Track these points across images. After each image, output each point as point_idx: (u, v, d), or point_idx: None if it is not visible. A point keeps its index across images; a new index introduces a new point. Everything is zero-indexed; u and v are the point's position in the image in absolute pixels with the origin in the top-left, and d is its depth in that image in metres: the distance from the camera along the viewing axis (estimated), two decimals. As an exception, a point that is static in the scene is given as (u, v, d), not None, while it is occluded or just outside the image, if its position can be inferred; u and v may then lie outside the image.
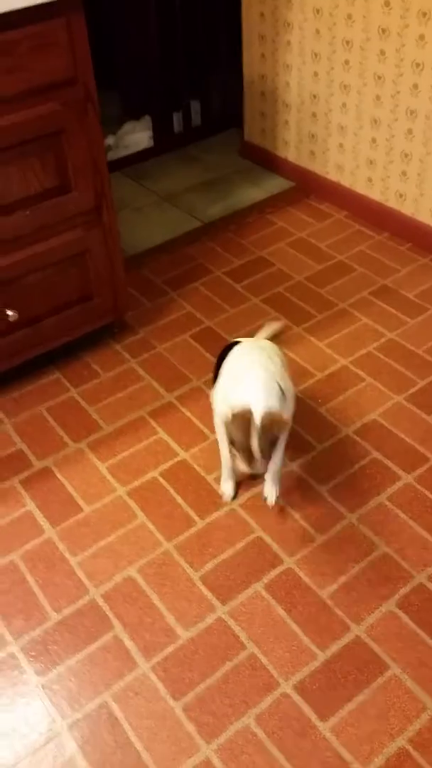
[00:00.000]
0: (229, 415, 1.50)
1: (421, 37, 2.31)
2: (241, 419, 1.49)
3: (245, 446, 1.50)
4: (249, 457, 1.51)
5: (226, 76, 3.37)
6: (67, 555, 1.76)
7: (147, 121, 3.41)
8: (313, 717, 1.46)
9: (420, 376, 2.18)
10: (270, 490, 1.83)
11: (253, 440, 1.49)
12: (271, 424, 1.49)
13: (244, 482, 1.89)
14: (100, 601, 1.66)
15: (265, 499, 1.83)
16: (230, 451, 1.81)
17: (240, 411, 1.49)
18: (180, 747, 1.43)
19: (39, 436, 2.06)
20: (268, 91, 3.01)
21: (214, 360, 1.94)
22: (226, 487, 1.86)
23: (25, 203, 1.89)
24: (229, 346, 1.79)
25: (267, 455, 1.53)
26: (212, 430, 2.04)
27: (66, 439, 2.05)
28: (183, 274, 2.64)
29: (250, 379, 1.56)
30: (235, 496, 1.86)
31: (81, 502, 1.87)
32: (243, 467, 1.56)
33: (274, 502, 1.82)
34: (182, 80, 3.31)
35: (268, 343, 1.79)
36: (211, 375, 1.98)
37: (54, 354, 2.25)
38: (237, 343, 1.77)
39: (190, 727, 1.45)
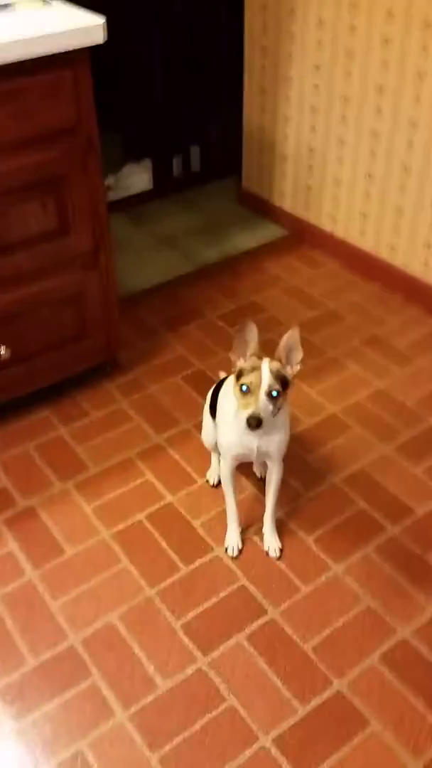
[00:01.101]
0: (240, 363, 1.54)
1: (417, 96, 2.38)
2: (252, 361, 1.52)
3: (254, 372, 1.50)
4: (256, 386, 1.49)
5: (226, 124, 3.45)
6: (47, 598, 1.74)
7: (147, 163, 3.47)
8: (292, 774, 1.43)
9: (408, 427, 2.19)
10: (271, 543, 1.84)
11: (264, 366, 1.49)
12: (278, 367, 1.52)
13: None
14: (80, 648, 1.64)
15: (267, 553, 1.83)
16: (228, 517, 1.83)
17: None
18: (155, 802, 1.40)
19: (25, 474, 2.05)
20: (266, 142, 3.08)
21: (204, 403, 1.95)
22: (233, 542, 1.84)
23: (25, 245, 1.92)
24: (220, 384, 1.81)
25: (274, 387, 1.50)
26: (200, 474, 2.04)
27: (52, 478, 2.04)
28: (177, 316, 2.67)
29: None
30: (241, 551, 1.83)
31: (64, 545, 1.86)
32: (248, 411, 1.49)
33: (278, 555, 1.82)
34: (183, 125, 3.39)
35: None
36: (200, 419, 1.99)
37: (45, 391, 2.25)
38: (223, 380, 1.80)
39: (166, 781, 1.43)
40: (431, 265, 2.61)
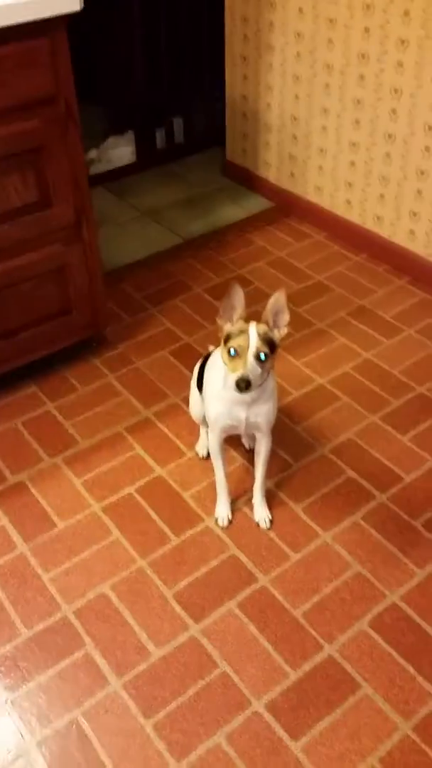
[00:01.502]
0: (228, 328, 1.55)
1: (400, 63, 2.36)
2: (240, 326, 1.53)
3: (242, 335, 1.50)
4: (244, 349, 1.50)
5: (209, 95, 3.41)
6: (39, 571, 1.75)
7: (130, 136, 3.43)
8: (285, 736, 1.46)
9: (395, 397, 2.20)
10: (261, 513, 1.85)
11: (251, 329, 1.50)
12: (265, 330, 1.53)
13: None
14: (72, 618, 1.65)
15: (258, 524, 1.85)
16: (218, 493, 1.83)
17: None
18: (150, 765, 1.42)
19: (14, 450, 2.05)
20: (249, 112, 3.05)
21: (191, 376, 1.95)
22: (222, 513, 1.85)
23: (5, 217, 1.90)
24: (207, 357, 1.81)
25: (262, 350, 1.50)
26: (189, 447, 2.05)
27: (41, 453, 2.04)
28: (163, 290, 2.66)
29: None
30: (230, 522, 1.85)
31: (55, 518, 1.86)
32: (236, 373, 1.50)
33: (268, 526, 1.84)
34: (166, 97, 3.35)
35: None
36: (187, 393, 1.99)
37: (31, 367, 2.24)
38: (210, 353, 1.81)
39: (161, 746, 1.44)
40: (417, 234, 2.61)
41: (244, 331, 1.52)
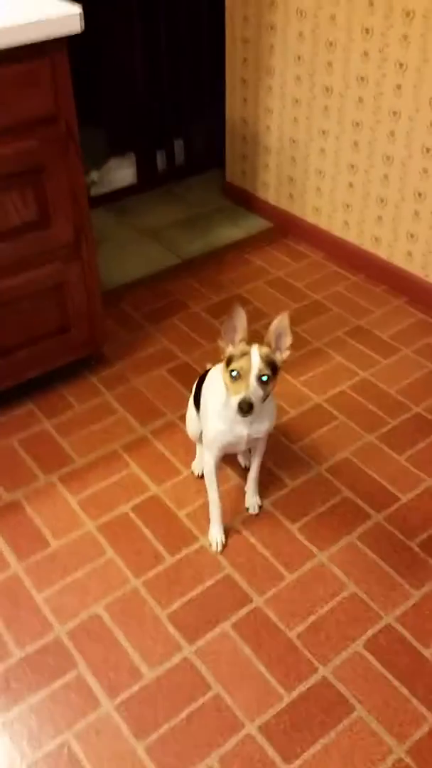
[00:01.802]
0: (230, 350, 1.55)
1: (398, 86, 2.39)
2: (242, 348, 1.53)
3: (244, 358, 1.50)
4: (246, 372, 1.50)
5: (209, 117, 3.44)
6: (32, 591, 1.73)
7: (131, 158, 3.46)
8: (278, 759, 1.44)
9: (391, 416, 2.20)
10: (252, 500, 1.90)
11: (253, 351, 1.50)
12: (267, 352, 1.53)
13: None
14: (65, 639, 1.64)
15: (247, 509, 1.89)
16: (210, 512, 1.84)
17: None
18: (141, 790, 1.40)
19: (9, 468, 2.04)
20: (249, 134, 3.08)
21: (189, 395, 1.95)
22: (216, 536, 1.83)
23: (4, 236, 1.91)
24: (205, 375, 1.81)
25: (264, 372, 1.50)
26: (185, 465, 2.04)
27: (37, 471, 2.03)
28: (161, 308, 2.67)
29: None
30: (225, 545, 1.83)
31: (49, 537, 1.85)
32: (238, 395, 1.49)
33: (258, 511, 1.88)
34: (167, 119, 3.38)
35: None
36: (184, 411, 1.99)
37: (28, 385, 2.24)
38: (207, 371, 1.81)
39: (152, 770, 1.43)
40: (414, 255, 2.62)
41: (246, 354, 1.51)
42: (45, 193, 1.92)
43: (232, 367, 1.52)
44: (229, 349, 1.56)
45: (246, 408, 1.49)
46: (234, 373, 1.51)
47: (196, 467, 2.01)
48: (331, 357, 2.43)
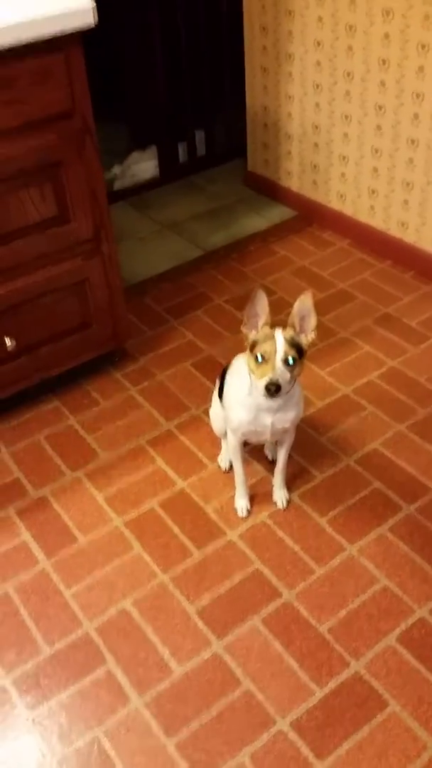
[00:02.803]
0: (253, 335, 1.52)
1: (421, 68, 2.33)
2: (266, 332, 1.50)
3: (269, 341, 1.48)
4: (271, 355, 1.48)
5: (230, 107, 3.41)
6: (61, 587, 1.73)
7: (153, 151, 3.44)
8: (310, 755, 1.41)
9: (422, 405, 2.15)
10: (279, 494, 1.87)
11: (278, 334, 1.48)
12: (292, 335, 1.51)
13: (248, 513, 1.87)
14: (94, 635, 1.63)
15: (275, 503, 1.86)
16: (236, 481, 1.82)
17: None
18: (172, 787, 1.39)
19: (36, 465, 2.04)
20: (270, 122, 3.04)
21: (213, 388, 1.93)
22: (241, 504, 1.86)
23: (24, 232, 1.90)
24: (226, 369, 1.79)
25: (290, 356, 1.48)
26: (211, 459, 2.02)
27: (63, 468, 2.03)
28: (184, 302, 2.65)
29: None
30: (249, 512, 1.85)
31: (76, 533, 1.85)
32: (262, 381, 1.48)
33: (286, 506, 1.85)
34: (187, 111, 3.35)
35: None
36: (209, 405, 1.97)
37: (53, 382, 2.24)
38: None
39: (183, 765, 1.41)
40: (442, 239, 2.56)
41: (270, 338, 1.49)
42: (63, 189, 1.91)
43: (256, 351, 1.50)
44: (253, 335, 1.53)
45: (273, 389, 1.47)
46: (259, 358, 1.49)
47: (222, 461, 1.99)
48: (359, 346, 2.39)
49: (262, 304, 1.52)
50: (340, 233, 2.93)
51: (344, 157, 2.77)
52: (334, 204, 2.93)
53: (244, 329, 1.55)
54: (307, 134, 2.88)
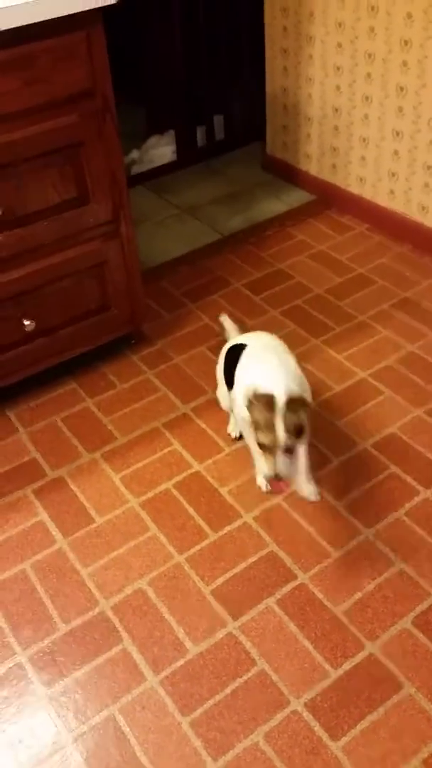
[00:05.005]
0: (252, 399, 1.48)
1: (444, 48, 2.29)
2: (265, 403, 1.46)
3: (269, 431, 1.45)
4: (273, 446, 1.46)
5: (248, 90, 3.38)
6: (77, 566, 1.74)
7: (171, 135, 3.43)
8: (324, 736, 1.42)
9: (440, 390, 2.14)
10: (308, 489, 1.77)
11: (278, 423, 1.45)
12: (294, 405, 1.47)
13: (260, 496, 1.87)
14: (110, 613, 1.64)
15: (308, 498, 1.80)
16: (254, 458, 1.81)
17: (263, 395, 1.47)
18: (186, 763, 1.40)
19: (53, 445, 2.05)
20: (290, 104, 3.01)
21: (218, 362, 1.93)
22: (262, 480, 1.85)
23: (44, 214, 1.90)
24: (232, 348, 1.78)
25: (292, 444, 1.47)
26: (227, 442, 2.02)
27: (80, 449, 2.04)
28: (202, 286, 2.64)
29: (270, 366, 1.58)
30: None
31: (93, 513, 1.86)
32: (267, 470, 1.49)
33: (319, 498, 1.81)
34: (206, 95, 3.33)
35: (274, 338, 1.80)
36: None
37: (71, 364, 2.25)
38: (239, 345, 1.77)
39: (197, 743, 1.42)
40: (463, 223, 2.53)
41: (269, 425, 1.44)
42: (83, 171, 1.90)
43: (258, 439, 1.48)
44: (254, 412, 1.48)
45: (276, 479, 1.49)
46: (260, 445, 1.49)
47: (232, 429, 2.01)
48: (377, 331, 2.37)
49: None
50: (359, 217, 2.90)
51: (364, 140, 2.74)
52: (354, 188, 2.90)
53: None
54: (327, 117, 2.86)
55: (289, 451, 1.49)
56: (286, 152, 3.17)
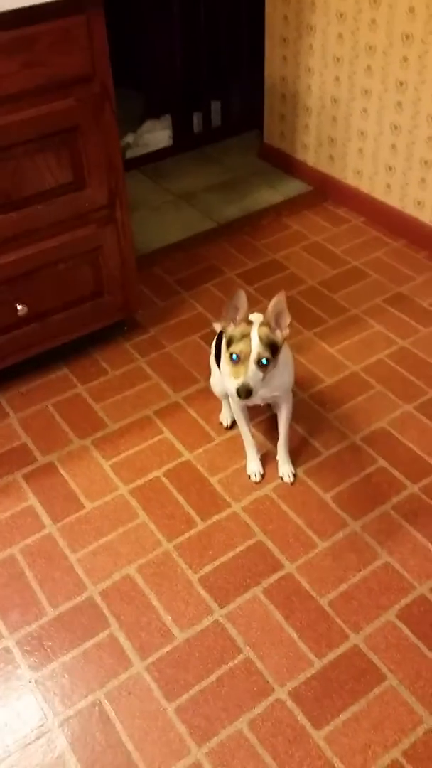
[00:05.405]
0: (231, 322, 1.56)
1: (445, 43, 2.29)
2: (243, 323, 1.56)
3: (244, 341, 1.51)
4: (245, 357, 1.51)
5: (247, 78, 3.36)
6: (66, 551, 1.75)
7: (167, 120, 3.40)
8: (307, 725, 1.44)
9: (430, 385, 2.15)
10: (285, 469, 1.89)
11: (253, 333, 1.51)
12: (269, 329, 1.55)
13: (249, 486, 1.88)
14: (98, 599, 1.65)
15: (281, 478, 1.88)
16: (246, 446, 1.85)
17: (242, 319, 1.57)
18: (171, 749, 1.41)
19: (44, 431, 2.05)
20: (288, 94, 3.00)
21: (210, 353, 1.93)
22: (253, 468, 1.89)
23: (40, 198, 1.89)
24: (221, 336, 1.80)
25: (265, 355, 1.51)
26: (218, 432, 2.03)
27: (71, 435, 2.04)
28: (196, 274, 2.64)
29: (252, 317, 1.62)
30: (263, 476, 1.89)
31: (83, 499, 1.87)
32: (237, 381, 1.51)
33: (292, 480, 1.87)
34: (204, 81, 3.31)
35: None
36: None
37: (63, 350, 2.24)
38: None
39: (182, 729, 1.44)
40: (457, 220, 2.54)
41: (246, 336, 1.53)
42: (80, 155, 1.89)
43: (231, 350, 1.53)
44: (230, 330, 1.56)
45: (244, 393, 1.51)
46: (234, 357, 1.52)
47: (224, 418, 2.03)
48: (369, 325, 2.38)
49: (241, 301, 1.55)
50: (355, 210, 2.91)
51: (362, 133, 2.74)
52: (350, 180, 2.90)
53: (216, 326, 1.59)
54: (326, 107, 2.85)
55: (262, 368, 1.52)
56: (283, 141, 3.16)
